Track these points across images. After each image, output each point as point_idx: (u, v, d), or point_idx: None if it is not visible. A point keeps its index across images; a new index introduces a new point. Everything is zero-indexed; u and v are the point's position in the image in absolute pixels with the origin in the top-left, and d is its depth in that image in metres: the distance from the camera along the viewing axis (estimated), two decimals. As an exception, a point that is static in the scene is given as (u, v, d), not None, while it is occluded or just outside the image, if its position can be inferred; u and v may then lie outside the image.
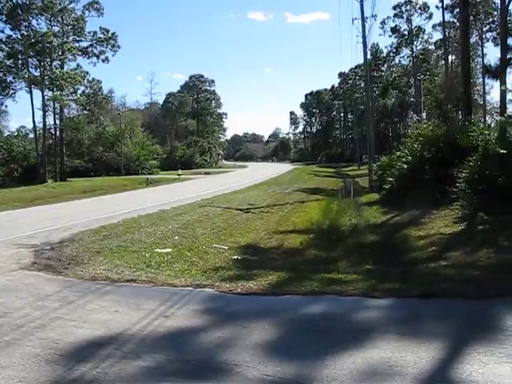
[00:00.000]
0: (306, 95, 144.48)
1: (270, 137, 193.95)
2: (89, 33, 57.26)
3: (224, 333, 5.87)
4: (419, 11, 74.22)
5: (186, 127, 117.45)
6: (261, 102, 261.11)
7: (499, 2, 25.12)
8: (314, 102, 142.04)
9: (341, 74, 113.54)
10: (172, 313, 6.71)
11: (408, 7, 74.58)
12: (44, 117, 54.22)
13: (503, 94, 23.39)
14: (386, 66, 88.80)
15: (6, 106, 65.68)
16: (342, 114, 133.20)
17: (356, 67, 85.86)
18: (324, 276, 8.58)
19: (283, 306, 6.86)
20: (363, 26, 34.56)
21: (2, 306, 7.23)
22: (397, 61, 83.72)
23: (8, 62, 53.10)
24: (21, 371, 4.93)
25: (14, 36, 52.65)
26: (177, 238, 13.90)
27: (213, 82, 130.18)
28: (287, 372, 4.77)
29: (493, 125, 26.88)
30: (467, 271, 8.37)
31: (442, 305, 6.60)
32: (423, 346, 5.18)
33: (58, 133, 58.67)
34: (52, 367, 5.01)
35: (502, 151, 14.13)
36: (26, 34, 52.04)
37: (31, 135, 60.51)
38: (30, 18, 52.23)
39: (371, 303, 6.77)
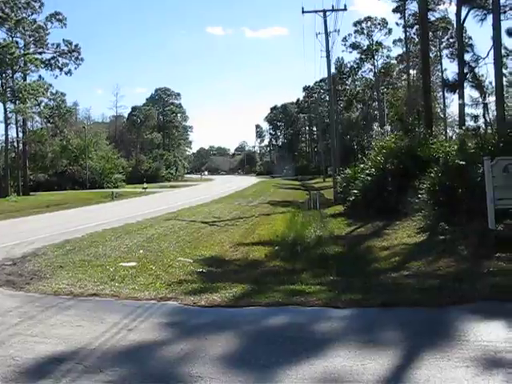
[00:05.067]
0: (271, 109, 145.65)
1: (236, 150, 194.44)
2: (52, 45, 56.75)
3: (187, 345, 5.87)
4: (379, 27, 75.82)
5: (151, 140, 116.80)
6: (226, 116, 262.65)
7: (455, 19, 25.82)
8: (280, 115, 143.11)
9: (305, 88, 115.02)
10: (135, 326, 6.67)
11: (368, 23, 76.14)
12: (6, 129, 53.26)
13: (461, 107, 24.03)
14: (350, 79, 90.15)
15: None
16: (307, 127, 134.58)
17: (321, 81, 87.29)
18: (288, 287, 8.65)
19: (246, 318, 6.90)
20: (327, 41, 35.07)
21: (-41, 324, 7.07)
22: (360, 75, 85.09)
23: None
24: (-24, 390, 4.85)
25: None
26: (141, 251, 13.80)
27: (178, 95, 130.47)
28: (249, 382, 4.82)
29: (454, 137, 27.49)
30: (427, 280, 8.55)
31: (402, 313, 6.75)
32: (383, 354, 5.28)
33: (21, 146, 57.70)
34: (10, 385, 4.93)
35: (461, 163, 14.47)
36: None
37: (-7, 148, 59.47)
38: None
39: (333, 313, 6.86)
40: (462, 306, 6.82)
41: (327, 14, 34.79)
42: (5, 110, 51.93)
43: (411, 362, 5.09)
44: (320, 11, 34.96)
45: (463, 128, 20.74)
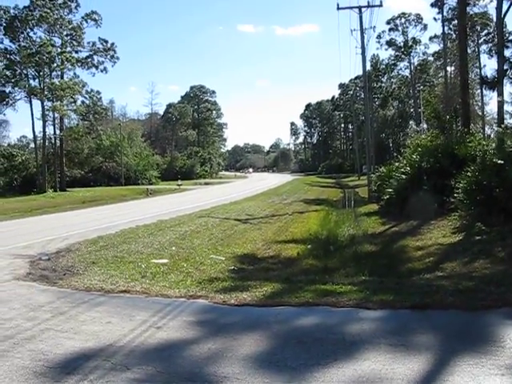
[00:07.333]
0: (306, 106, 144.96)
1: (270, 147, 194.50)
2: (88, 43, 57.59)
3: (215, 345, 5.82)
4: (413, 23, 74.90)
5: (186, 137, 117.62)
6: (261, 113, 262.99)
7: (495, 14, 25.20)
8: (315, 112, 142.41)
9: (341, 85, 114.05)
10: (164, 324, 6.67)
11: (402, 20, 75.22)
12: (44, 126, 54.41)
13: (500, 104, 23.43)
14: (385, 76, 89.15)
15: (5, 115, 65.86)
16: (342, 125, 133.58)
17: (356, 78, 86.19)
18: (319, 287, 8.53)
19: (276, 318, 6.81)
20: (362, 38, 34.67)
21: (-7, 317, 7.18)
22: (396, 72, 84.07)
23: (7, 73, 53.17)
24: (7, 384, 4.89)
25: (13, 47, 52.91)
26: (174, 248, 13.88)
27: (213, 92, 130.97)
28: (276, 384, 4.74)
29: (492, 135, 26.92)
30: (462, 282, 8.31)
31: (435, 316, 6.56)
32: (414, 358, 5.14)
33: (57, 142, 58.72)
34: (39, 379, 4.96)
35: (499, 161, 14.12)
36: (24, 45, 52.23)
37: (32, 145, 60.68)
38: (28, 29, 52.53)
39: (364, 315, 6.72)
40: (498, 310, 6.58)
41: (362, 10, 34.47)
42: (42, 107, 52.99)
43: (443, 367, 4.92)
44: (355, 7, 34.71)
45: (502, 126, 20.19)
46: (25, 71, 53.00)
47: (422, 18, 74.03)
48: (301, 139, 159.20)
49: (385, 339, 5.73)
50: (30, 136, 62.77)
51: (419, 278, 9.40)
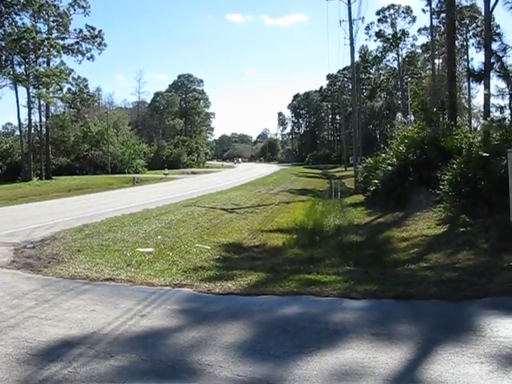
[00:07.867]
0: (294, 96, 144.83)
1: (258, 137, 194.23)
2: (74, 30, 56.93)
3: (199, 333, 5.84)
4: (403, 15, 75.08)
5: (173, 126, 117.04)
6: (249, 103, 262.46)
7: (483, 8, 25.33)
8: (303, 103, 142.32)
9: (329, 76, 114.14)
10: (148, 312, 6.68)
11: (391, 11, 75.36)
12: (29, 114, 53.90)
13: (486, 97, 23.56)
14: (374, 68, 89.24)
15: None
16: (330, 116, 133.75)
17: (344, 69, 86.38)
18: (303, 276, 8.57)
19: (260, 307, 6.84)
20: (350, 28, 34.81)
21: (-24, 305, 7.13)
22: (384, 64, 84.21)
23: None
24: (-10, 371, 4.87)
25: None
26: (159, 237, 13.84)
27: (201, 81, 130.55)
28: (259, 372, 4.75)
29: (478, 128, 27.08)
30: (445, 273, 8.40)
31: (417, 306, 6.64)
32: (396, 347, 5.20)
33: (43, 130, 58.19)
34: (23, 367, 4.95)
35: (484, 154, 14.21)
36: (10, 31, 51.48)
37: (17, 132, 60.11)
38: (14, 15, 51.80)
39: (348, 304, 6.78)
40: (480, 300, 6.68)
41: (351, 0, 34.48)
42: (28, 94, 52.44)
43: (424, 356, 4.99)
44: (344, -2, 34.63)
45: (488, 119, 20.29)
46: (10, 57, 52.29)
47: (411, 10, 74.30)
48: (288, 129, 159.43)
49: (368, 328, 5.79)
50: (16, 123, 62.07)
51: (403, 269, 9.48)
